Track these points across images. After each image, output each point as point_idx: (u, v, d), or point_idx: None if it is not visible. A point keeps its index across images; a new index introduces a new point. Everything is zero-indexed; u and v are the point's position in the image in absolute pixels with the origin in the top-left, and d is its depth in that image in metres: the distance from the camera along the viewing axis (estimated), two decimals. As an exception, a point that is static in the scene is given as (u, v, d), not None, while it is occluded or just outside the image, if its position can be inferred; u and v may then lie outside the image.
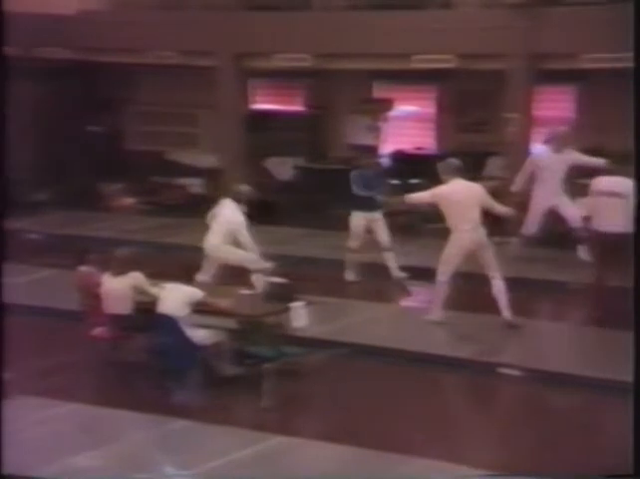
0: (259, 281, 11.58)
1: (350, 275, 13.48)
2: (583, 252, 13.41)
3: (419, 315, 11.63)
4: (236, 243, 11.76)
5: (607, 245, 11.43)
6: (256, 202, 12.44)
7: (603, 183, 11.59)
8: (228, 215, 11.79)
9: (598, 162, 13.46)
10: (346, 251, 13.48)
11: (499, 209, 11.34)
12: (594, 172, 13.54)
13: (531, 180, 13.62)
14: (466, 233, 10.97)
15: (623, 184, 11.35)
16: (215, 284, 11.36)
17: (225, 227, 11.75)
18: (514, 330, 11.01)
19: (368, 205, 13.23)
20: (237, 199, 11.90)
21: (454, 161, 11.32)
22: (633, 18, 8.10)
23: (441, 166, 11.28)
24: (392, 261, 13.45)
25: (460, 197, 10.96)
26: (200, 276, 11.79)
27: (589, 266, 13.03)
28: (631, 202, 11.26)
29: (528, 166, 13.52)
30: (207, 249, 11.93)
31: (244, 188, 12.19)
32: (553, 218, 13.64)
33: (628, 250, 11.31)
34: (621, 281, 11.44)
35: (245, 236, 11.64)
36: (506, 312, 11.10)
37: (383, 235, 13.36)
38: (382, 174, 13.36)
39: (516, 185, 13.69)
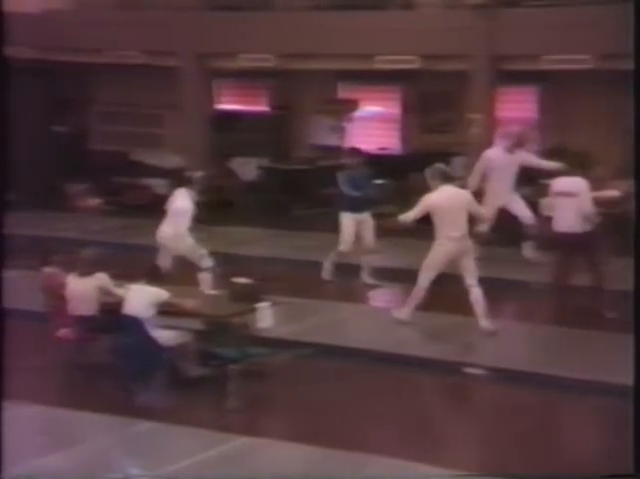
0: (205, 280, 11.65)
1: (327, 274, 13.42)
2: (529, 251, 13.52)
3: (386, 316, 11.67)
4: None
5: (564, 245, 11.56)
6: (221, 202, 12.47)
7: (560, 183, 11.71)
8: (178, 202, 11.93)
9: (548, 164, 13.56)
10: (334, 253, 13.30)
11: (485, 215, 11.38)
12: (555, 173, 13.70)
13: (484, 179, 13.69)
14: (453, 240, 10.85)
15: (578, 184, 11.47)
16: (173, 275, 11.41)
17: (174, 212, 11.88)
18: (488, 334, 10.95)
19: (357, 205, 13.07)
20: (189, 185, 11.98)
21: (441, 166, 11.24)
22: (633, 18, 8.18)
23: (428, 171, 11.12)
24: (368, 265, 13.33)
25: (449, 203, 10.84)
26: (160, 262, 11.87)
27: (540, 265, 13.19)
28: (585, 201, 11.34)
29: (481, 165, 13.61)
30: (160, 238, 12.03)
31: (197, 174, 12.25)
32: (505, 216, 13.73)
33: (585, 250, 11.47)
34: (580, 281, 11.60)
35: (184, 224, 11.74)
36: (484, 321, 10.98)
37: (368, 236, 13.18)
38: (369, 174, 13.14)
39: (470, 184, 13.71)
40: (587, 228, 11.43)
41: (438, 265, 11.07)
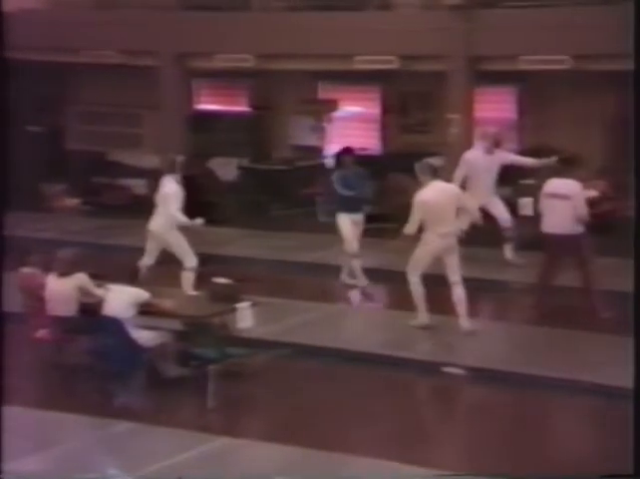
0: (187, 279, 11.63)
1: (346, 279, 13.13)
2: (509, 252, 13.55)
3: (362, 316, 11.69)
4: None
5: (553, 246, 11.52)
6: (200, 202, 12.44)
7: (552, 185, 11.61)
8: (165, 187, 11.92)
9: (527, 161, 13.63)
10: (344, 256, 13.11)
11: (473, 212, 11.32)
12: (537, 172, 13.75)
13: (464, 180, 13.70)
14: (441, 236, 10.80)
15: (568, 186, 11.44)
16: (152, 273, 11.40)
17: (162, 200, 11.87)
18: (467, 334, 10.94)
19: (352, 206, 12.90)
20: (172, 169, 12.00)
21: (431, 161, 11.24)
22: (633, 18, 8.18)
23: (418, 166, 11.08)
24: (348, 265, 13.19)
25: (439, 199, 10.78)
26: (144, 260, 11.82)
27: (518, 266, 13.22)
28: (579, 204, 11.32)
29: (462, 165, 13.63)
30: (152, 229, 11.95)
31: (179, 157, 12.25)
32: (484, 217, 13.74)
33: (574, 251, 11.45)
34: (567, 281, 11.58)
35: (174, 207, 11.67)
36: (464, 321, 10.96)
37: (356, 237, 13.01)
38: (362, 173, 12.98)
39: (455, 183, 13.72)
40: (578, 230, 11.39)
41: (424, 261, 11.01)
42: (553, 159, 13.58)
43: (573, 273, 11.56)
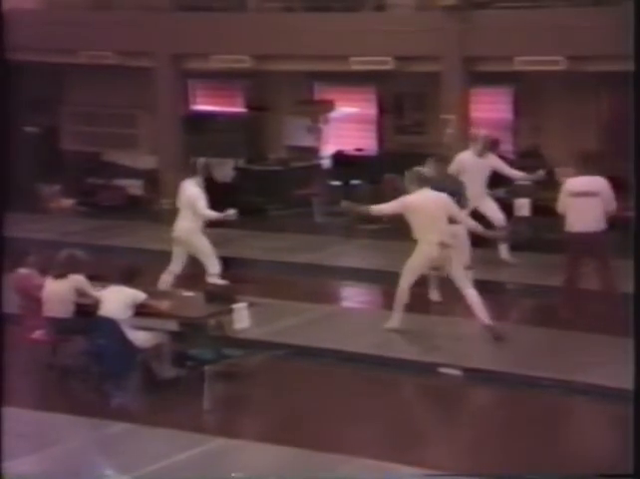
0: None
1: (435, 296, 12.36)
2: (504, 252, 13.56)
3: (358, 316, 11.69)
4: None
5: (579, 246, 11.38)
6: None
7: (578, 183, 11.40)
8: (187, 190, 11.86)
9: (514, 173, 13.56)
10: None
11: (466, 220, 11.24)
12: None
13: None
14: (433, 245, 10.69)
15: (596, 182, 11.27)
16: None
17: (187, 204, 11.81)
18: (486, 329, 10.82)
19: None
20: (194, 171, 11.94)
21: (421, 170, 11.20)
22: (633, 18, 8.16)
23: (408, 175, 11.03)
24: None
25: (427, 207, 10.70)
26: (171, 267, 11.79)
27: (515, 267, 13.18)
28: (608, 200, 11.20)
29: (454, 168, 13.62)
30: (178, 233, 11.88)
31: (200, 160, 12.20)
32: (476, 219, 13.72)
33: (597, 250, 11.32)
34: (592, 284, 11.45)
35: (202, 206, 11.66)
36: (484, 319, 10.78)
37: None
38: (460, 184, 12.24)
39: None
40: (602, 227, 11.30)
41: (418, 270, 10.98)
42: (541, 173, 13.57)
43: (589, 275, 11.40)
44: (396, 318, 11.10)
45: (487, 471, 7.84)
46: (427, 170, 11.61)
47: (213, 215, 11.74)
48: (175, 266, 11.90)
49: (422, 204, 10.73)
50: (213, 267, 11.79)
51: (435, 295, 12.11)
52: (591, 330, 10.85)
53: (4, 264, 10.93)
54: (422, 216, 10.71)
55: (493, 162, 13.50)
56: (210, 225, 12.18)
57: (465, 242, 11.96)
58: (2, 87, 7.91)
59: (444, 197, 10.97)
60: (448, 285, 11.23)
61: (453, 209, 10.98)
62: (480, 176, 13.41)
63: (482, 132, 14.04)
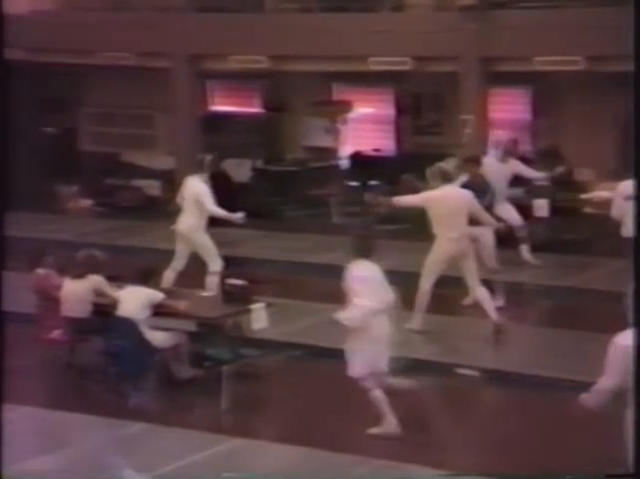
0: (211, 283, 11.60)
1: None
2: (525, 253, 13.50)
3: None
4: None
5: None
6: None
7: (626, 186, 11.15)
8: (193, 186, 11.81)
9: (534, 174, 13.51)
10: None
11: (486, 218, 11.19)
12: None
13: None
14: (451, 241, 10.73)
15: None
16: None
17: (192, 200, 11.74)
18: (502, 335, 10.81)
19: None
20: (200, 168, 11.89)
21: (443, 166, 11.19)
22: (633, 18, 8.12)
23: (429, 172, 11.06)
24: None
25: (451, 203, 10.71)
26: (174, 264, 11.78)
27: (537, 268, 13.10)
28: None
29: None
30: (180, 229, 11.85)
31: (207, 157, 12.18)
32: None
33: None
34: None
35: (208, 202, 11.61)
36: (495, 316, 10.83)
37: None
38: (485, 184, 12.03)
39: None
40: None
41: (437, 266, 10.96)
42: (560, 169, 13.51)
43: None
44: (417, 319, 11.05)
45: (504, 472, 7.81)
46: (450, 166, 11.57)
47: (220, 212, 11.67)
48: (178, 264, 11.87)
49: (443, 199, 10.73)
50: (215, 265, 11.77)
51: (499, 301, 11.85)
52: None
53: (21, 265, 11.03)
54: (441, 211, 10.71)
55: (515, 167, 13.43)
56: (227, 225, 12.19)
57: (490, 244, 11.89)
58: (2, 86, 7.95)
59: (466, 193, 10.96)
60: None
61: (475, 206, 10.96)
62: (502, 181, 13.32)
63: (504, 137, 13.96)
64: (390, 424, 8.66)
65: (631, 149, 8.68)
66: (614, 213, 11.44)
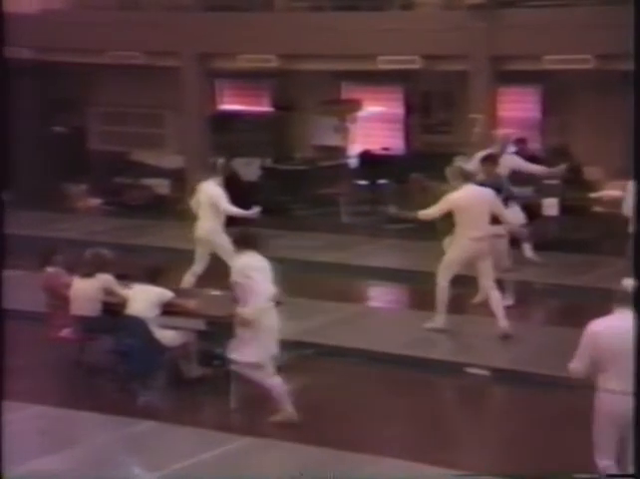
0: None
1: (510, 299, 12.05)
2: (528, 251, 13.47)
3: (385, 316, 11.66)
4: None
5: None
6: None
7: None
8: (208, 190, 11.89)
9: (534, 168, 13.48)
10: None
11: (507, 216, 11.14)
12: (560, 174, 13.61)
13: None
14: (474, 241, 10.68)
15: None
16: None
17: (208, 203, 11.82)
18: (503, 337, 10.80)
19: None
20: (214, 171, 11.95)
21: (461, 164, 11.16)
22: (634, 20, 8.10)
23: (449, 171, 11.02)
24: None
25: (473, 202, 10.66)
26: (195, 268, 11.80)
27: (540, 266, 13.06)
28: None
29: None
30: (200, 234, 11.91)
31: (220, 160, 12.23)
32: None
33: None
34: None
35: (225, 205, 11.73)
36: (503, 322, 10.83)
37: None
38: (500, 183, 12.02)
39: None
40: None
41: (455, 265, 10.92)
42: (562, 167, 13.47)
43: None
44: (439, 318, 11.00)
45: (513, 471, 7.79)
46: (469, 165, 11.52)
47: (236, 211, 11.77)
48: (198, 267, 11.92)
49: (468, 201, 10.65)
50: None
51: (508, 300, 11.85)
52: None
53: (31, 264, 11.04)
54: (466, 212, 10.64)
55: (511, 161, 13.38)
56: (236, 223, 12.17)
57: (505, 244, 11.84)
58: (1, 85, 7.93)
59: (489, 192, 10.90)
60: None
61: (497, 205, 10.93)
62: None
63: (501, 132, 13.92)
64: (287, 411, 8.85)
65: (631, 149, 8.64)
66: (625, 211, 11.40)
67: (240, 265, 8.86)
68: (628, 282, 6.78)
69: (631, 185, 11.51)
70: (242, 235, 9.18)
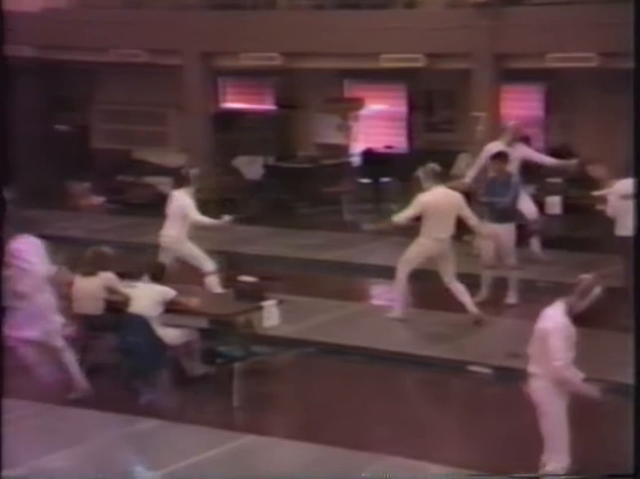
0: (212, 283, 11.60)
1: (513, 299, 12.11)
2: (535, 247, 13.47)
3: (385, 314, 11.66)
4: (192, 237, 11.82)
5: (627, 250, 11.11)
6: (225, 200, 12.42)
7: (622, 186, 11.12)
8: (178, 200, 11.89)
9: (546, 159, 13.49)
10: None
11: (474, 220, 11.25)
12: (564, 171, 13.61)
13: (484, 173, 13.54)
14: (437, 241, 10.95)
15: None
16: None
17: (178, 213, 11.83)
18: (481, 327, 11.03)
19: (497, 214, 11.80)
20: (187, 183, 11.95)
21: (434, 166, 11.24)
22: (633, 19, 8.11)
23: (421, 171, 11.17)
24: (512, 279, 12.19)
25: (441, 205, 10.93)
26: None
27: (546, 264, 13.06)
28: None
29: (482, 159, 13.46)
30: (164, 243, 11.96)
31: (194, 171, 12.23)
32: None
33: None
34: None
35: (194, 214, 11.70)
36: (472, 309, 11.15)
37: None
38: (512, 182, 12.11)
39: (469, 177, 13.51)
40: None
41: (414, 261, 11.21)
42: (574, 161, 13.47)
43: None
44: (397, 309, 11.38)
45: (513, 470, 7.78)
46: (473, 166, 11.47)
47: (206, 220, 11.77)
48: None
49: (436, 203, 10.92)
50: (208, 266, 11.80)
51: (512, 298, 11.99)
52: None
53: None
54: (434, 213, 10.91)
55: (523, 151, 13.37)
56: (239, 222, 12.20)
57: (508, 242, 11.86)
58: (2, 85, 7.93)
59: (457, 195, 11.14)
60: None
61: (464, 208, 11.11)
62: (511, 166, 13.25)
63: (511, 122, 13.89)
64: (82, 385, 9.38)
65: (632, 149, 8.64)
66: (609, 211, 11.44)
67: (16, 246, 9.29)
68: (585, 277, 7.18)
69: (617, 185, 11.46)
70: (17, 216, 9.75)
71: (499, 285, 11.99)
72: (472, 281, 11.59)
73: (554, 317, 7.11)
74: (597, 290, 7.16)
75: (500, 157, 12.17)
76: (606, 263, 13.22)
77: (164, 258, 11.93)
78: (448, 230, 10.99)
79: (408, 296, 11.47)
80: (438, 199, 10.95)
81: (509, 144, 13.27)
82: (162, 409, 9.22)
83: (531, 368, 7.25)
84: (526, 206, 13.41)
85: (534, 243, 13.49)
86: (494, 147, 13.36)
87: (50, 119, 19.41)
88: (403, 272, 11.25)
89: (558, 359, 7.00)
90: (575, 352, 7.16)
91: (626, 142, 15.71)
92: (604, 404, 8.62)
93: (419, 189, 11.37)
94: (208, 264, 11.85)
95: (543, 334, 7.08)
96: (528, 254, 13.39)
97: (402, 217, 11.08)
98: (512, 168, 13.33)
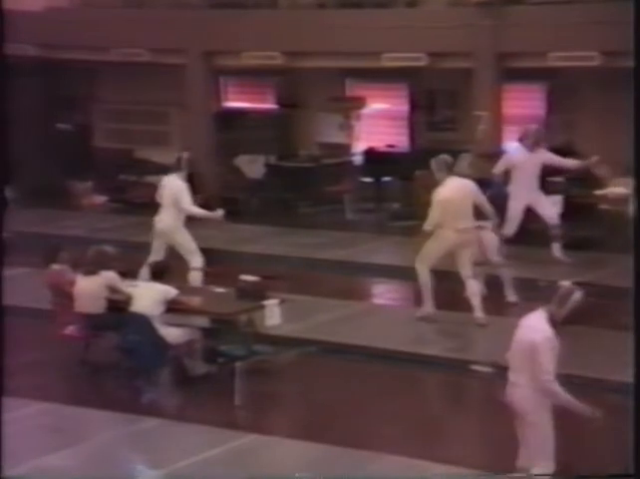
0: (195, 278, 11.58)
1: (512, 297, 12.04)
2: (557, 251, 13.43)
3: (389, 313, 11.68)
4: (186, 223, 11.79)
5: None
6: (226, 199, 12.39)
7: None
8: (169, 184, 11.85)
9: (568, 162, 13.47)
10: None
11: (489, 208, 11.24)
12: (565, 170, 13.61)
13: (505, 178, 13.55)
14: (457, 232, 10.89)
15: None
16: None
17: (170, 198, 11.77)
18: (480, 327, 11.01)
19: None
20: (178, 166, 11.90)
21: (446, 157, 11.26)
22: (633, 18, 8.10)
23: (434, 163, 11.18)
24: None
25: (458, 196, 10.91)
26: (150, 259, 11.80)
27: (568, 265, 13.04)
28: None
29: (503, 163, 13.45)
30: (159, 228, 11.90)
31: (185, 154, 12.19)
32: (530, 215, 13.59)
33: None
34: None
35: (186, 201, 11.64)
36: (479, 313, 11.05)
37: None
38: (491, 182, 12.30)
39: (496, 171, 13.45)
40: None
41: (436, 256, 11.11)
42: (594, 159, 13.44)
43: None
44: (427, 305, 11.24)
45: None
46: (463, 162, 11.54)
47: (198, 211, 11.72)
48: (154, 259, 11.87)
49: (453, 195, 10.88)
50: (196, 262, 11.78)
51: (511, 296, 11.97)
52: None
53: (36, 261, 11.06)
54: (451, 205, 10.87)
55: (545, 156, 13.33)
56: (241, 221, 12.19)
57: (490, 241, 11.83)
58: (3, 84, 7.93)
59: (471, 184, 11.12)
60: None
61: (479, 196, 11.09)
62: (532, 171, 13.23)
63: (533, 127, 13.82)
64: None
65: (632, 149, 8.63)
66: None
67: None
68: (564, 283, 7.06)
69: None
70: None
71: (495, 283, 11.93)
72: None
73: (540, 328, 6.91)
74: (577, 296, 6.99)
75: (485, 156, 12.23)
76: (608, 263, 13.27)
77: (157, 244, 11.89)
78: (468, 218, 10.96)
79: (413, 295, 11.40)
80: (453, 190, 10.91)
81: (532, 149, 13.21)
82: (164, 408, 9.23)
83: (514, 378, 7.02)
84: (546, 209, 13.35)
85: (556, 248, 13.40)
86: (516, 152, 13.25)
87: (52, 118, 19.41)
88: (423, 271, 11.14)
89: (548, 373, 6.83)
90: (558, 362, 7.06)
91: (628, 141, 15.76)
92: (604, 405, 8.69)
93: (420, 188, 11.38)
94: (197, 259, 11.82)
95: (531, 347, 6.86)
96: (550, 257, 13.31)
97: (431, 223, 11.00)
98: (535, 173, 13.29)
